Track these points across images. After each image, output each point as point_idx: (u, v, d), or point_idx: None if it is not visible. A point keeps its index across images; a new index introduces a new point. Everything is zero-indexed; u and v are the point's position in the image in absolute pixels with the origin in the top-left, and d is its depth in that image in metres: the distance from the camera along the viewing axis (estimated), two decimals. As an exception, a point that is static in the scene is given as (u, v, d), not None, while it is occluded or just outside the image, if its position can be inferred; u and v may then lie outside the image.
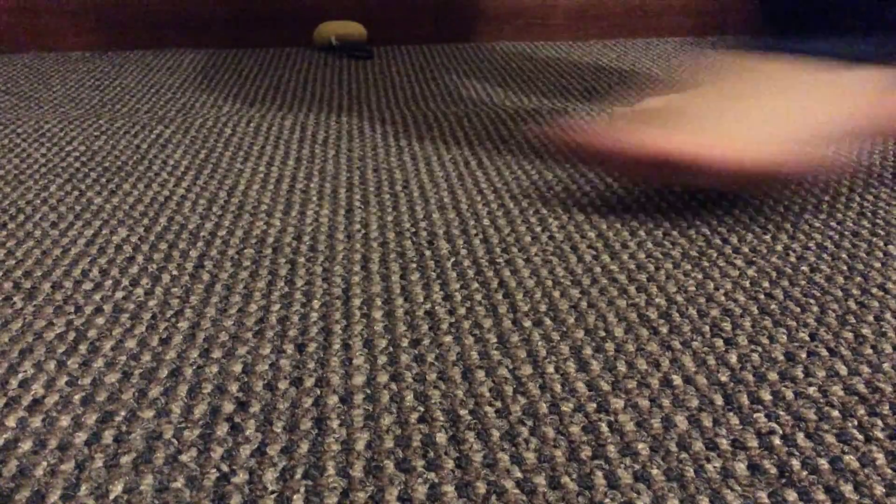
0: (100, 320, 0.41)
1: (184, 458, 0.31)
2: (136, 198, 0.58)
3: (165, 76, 1.02)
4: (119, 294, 0.44)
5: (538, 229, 0.52)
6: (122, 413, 0.33)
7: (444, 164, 0.65)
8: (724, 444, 0.31)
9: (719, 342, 0.38)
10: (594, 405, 0.33)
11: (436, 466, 0.30)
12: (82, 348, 0.38)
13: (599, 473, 0.30)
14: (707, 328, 0.39)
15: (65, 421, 0.33)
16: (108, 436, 0.32)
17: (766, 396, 0.34)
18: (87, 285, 0.45)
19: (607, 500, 0.28)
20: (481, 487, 0.29)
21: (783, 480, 0.29)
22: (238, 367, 0.36)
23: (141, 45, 1.19)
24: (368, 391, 0.35)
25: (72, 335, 0.39)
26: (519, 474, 0.30)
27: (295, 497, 0.29)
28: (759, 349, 0.38)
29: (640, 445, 0.31)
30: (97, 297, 0.43)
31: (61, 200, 0.58)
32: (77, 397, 0.34)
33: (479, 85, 0.95)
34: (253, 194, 0.59)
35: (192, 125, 0.78)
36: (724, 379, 0.35)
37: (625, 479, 0.29)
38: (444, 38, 1.25)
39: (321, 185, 0.60)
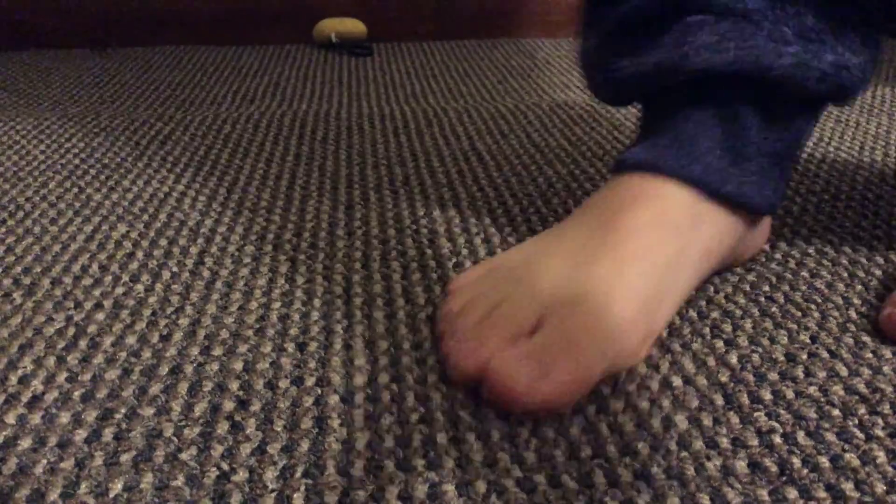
0: (100, 316, 0.41)
1: (184, 456, 0.31)
2: (136, 194, 0.58)
3: (165, 73, 1.02)
4: (119, 290, 0.44)
5: (539, 228, 0.52)
6: (123, 410, 0.33)
7: (445, 161, 0.65)
8: (724, 442, 0.31)
9: (719, 343, 0.38)
10: (594, 407, 0.33)
11: (436, 466, 0.30)
12: (82, 344, 0.38)
13: (599, 472, 0.30)
14: (707, 330, 0.39)
15: (65, 418, 0.33)
16: (108, 433, 0.32)
17: (767, 396, 0.34)
18: (87, 281, 0.45)
19: (607, 499, 0.28)
20: (481, 486, 0.29)
21: (784, 478, 0.29)
22: (239, 365, 0.36)
23: (140, 42, 1.19)
24: (369, 391, 0.34)
25: (71, 331, 0.39)
26: (519, 473, 0.30)
27: (295, 496, 0.29)
28: (760, 350, 0.38)
29: (640, 445, 0.31)
30: (97, 292, 0.43)
31: (61, 197, 0.58)
32: (77, 394, 0.34)
33: (480, 82, 0.95)
34: (252, 191, 0.59)
35: (192, 122, 0.78)
36: (724, 379, 0.35)
37: (625, 477, 0.29)
38: (445, 35, 1.24)
39: (321, 182, 0.60)
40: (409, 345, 0.38)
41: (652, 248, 0.37)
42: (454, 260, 0.47)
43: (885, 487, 0.29)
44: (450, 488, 0.29)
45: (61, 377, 0.36)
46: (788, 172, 0.43)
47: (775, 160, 0.41)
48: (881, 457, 0.30)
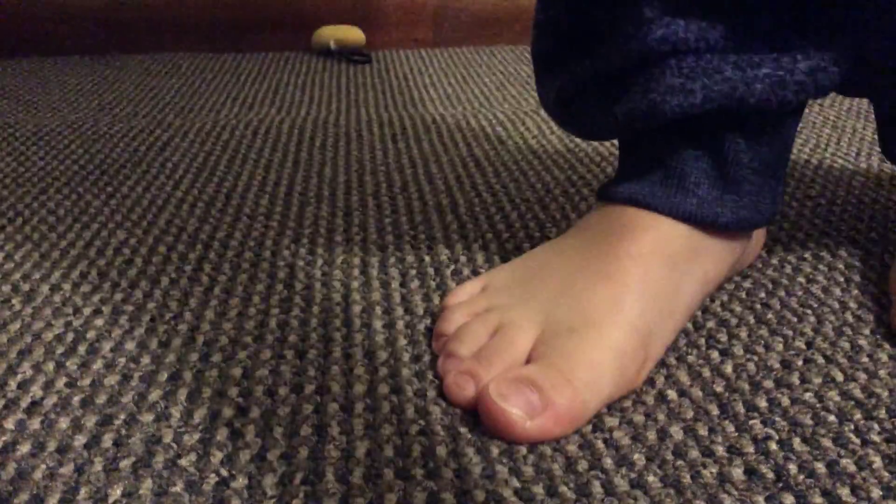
0: (98, 322, 0.41)
1: (183, 462, 0.31)
2: (135, 200, 0.59)
3: (164, 80, 1.02)
4: (118, 296, 0.44)
5: (536, 234, 0.52)
6: (122, 416, 0.33)
7: (443, 167, 0.65)
8: (720, 450, 0.31)
9: (715, 354, 0.38)
10: (589, 427, 0.33)
11: (435, 476, 0.30)
12: (81, 350, 0.38)
13: (596, 482, 0.30)
14: (703, 340, 0.39)
15: (64, 423, 0.33)
16: (107, 439, 0.32)
17: (763, 403, 0.34)
18: (86, 287, 0.45)
19: (605, 506, 0.29)
20: (480, 496, 0.29)
21: (780, 484, 0.30)
22: (238, 372, 0.36)
23: (140, 49, 1.19)
24: (369, 401, 0.35)
25: (70, 336, 0.39)
26: (517, 484, 0.30)
27: (294, 502, 0.29)
28: (755, 358, 0.38)
29: (636, 456, 0.31)
30: (96, 298, 0.43)
31: (59, 203, 0.58)
32: (76, 399, 0.34)
33: (478, 88, 0.95)
34: (251, 197, 0.59)
35: (191, 129, 0.78)
36: (719, 389, 0.35)
37: (622, 486, 0.30)
38: (443, 43, 1.25)
39: (319, 188, 0.60)
40: (409, 357, 0.38)
41: (650, 277, 0.37)
42: (452, 267, 0.47)
43: (881, 492, 0.29)
44: (448, 497, 0.29)
45: (60, 383, 0.36)
46: (783, 175, 0.43)
47: (768, 172, 0.41)
48: (877, 462, 0.31)
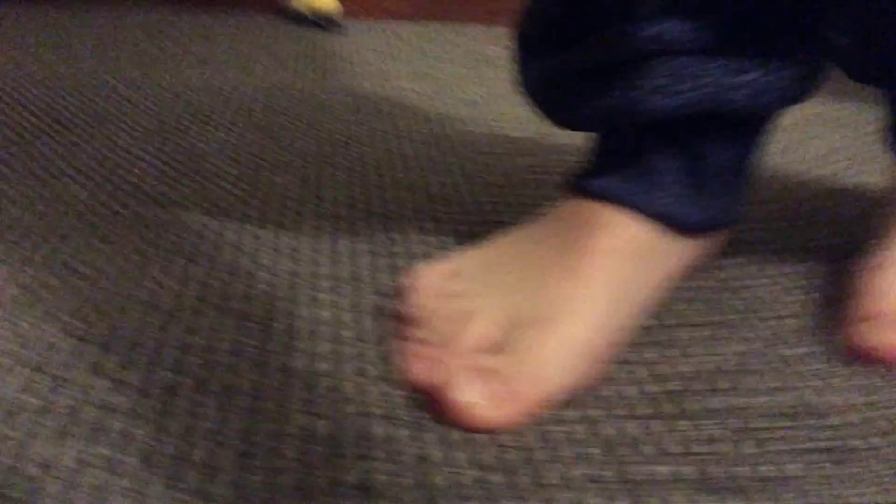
0: (53, 282, 0.40)
1: (139, 432, 0.30)
2: (90, 155, 0.57)
3: (129, 34, 0.99)
4: (63, 253, 0.43)
5: (507, 219, 0.52)
6: (77, 382, 0.33)
7: (417, 147, 0.64)
8: (674, 449, 0.32)
9: (674, 352, 0.38)
10: (548, 419, 0.33)
11: (396, 461, 0.30)
12: (38, 311, 0.37)
13: (554, 473, 0.30)
14: (664, 338, 0.40)
15: (14, 386, 0.32)
16: (62, 403, 0.31)
17: (717, 405, 0.35)
18: (35, 239, 0.44)
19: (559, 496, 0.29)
20: (440, 480, 0.29)
21: (731, 485, 0.30)
22: (200, 342, 0.36)
23: (105, 0, 1.16)
24: (332, 381, 0.34)
25: (25, 297, 0.38)
26: (477, 473, 0.30)
27: (252, 478, 0.28)
28: (716, 358, 0.38)
29: (594, 450, 0.32)
30: (38, 255, 0.42)
31: (13, 154, 0.56)
32: (30, 363, 0.34)
33: (451, 67, 0.94)
34: (213, 160, 0.58)
35: (155, 87, 0.76)
36: (676, 388, 0.36)
37: (578, 479, 0.30)
38: (417, 14, 1.24)
39: (288, 159, 0.60)
40: (374, 338, 0.38)
41: (616, 274, 0.37)
42: (421, 248, 0.47)
43: (832, 499, 0.30)
44: (407, 480, 0.29)
45: (14, 346, 0.35)
46: (749, 176, 0.43)
47: (740, 171, 0.42)
48: (827, 467, 0.31)
